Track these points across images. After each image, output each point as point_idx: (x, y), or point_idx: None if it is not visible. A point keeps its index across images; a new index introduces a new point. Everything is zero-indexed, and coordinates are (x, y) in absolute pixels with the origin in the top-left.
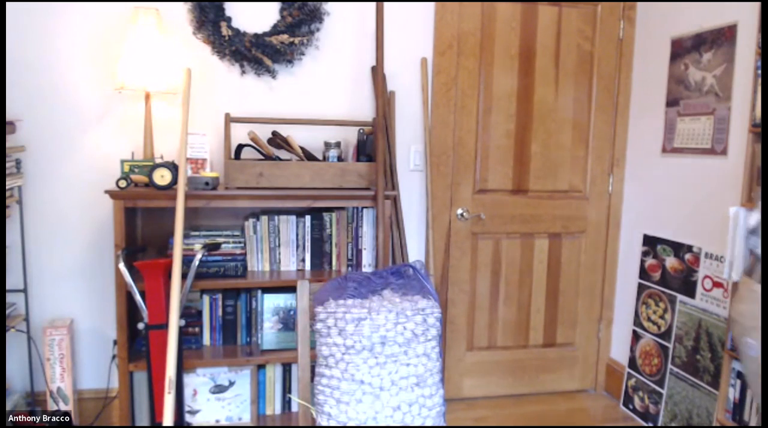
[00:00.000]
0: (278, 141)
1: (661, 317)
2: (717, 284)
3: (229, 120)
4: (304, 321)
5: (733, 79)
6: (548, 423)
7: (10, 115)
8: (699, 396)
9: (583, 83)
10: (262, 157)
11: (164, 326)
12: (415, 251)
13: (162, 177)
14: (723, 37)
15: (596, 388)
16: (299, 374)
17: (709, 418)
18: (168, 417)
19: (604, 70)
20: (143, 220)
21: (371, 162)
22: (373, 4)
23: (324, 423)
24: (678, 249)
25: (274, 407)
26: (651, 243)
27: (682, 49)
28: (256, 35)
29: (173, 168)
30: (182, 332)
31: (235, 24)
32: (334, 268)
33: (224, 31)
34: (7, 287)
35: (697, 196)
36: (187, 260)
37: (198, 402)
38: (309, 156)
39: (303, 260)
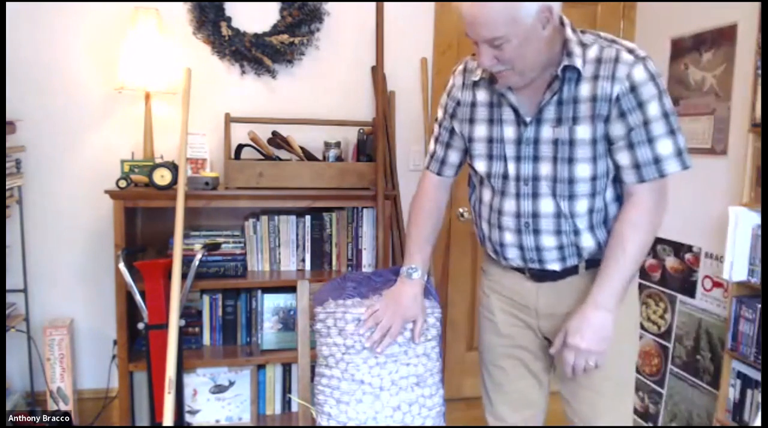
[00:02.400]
0: (278, 141)
1: (661, 317)
2: (717, 284)
3: (229, 120)
4: (304, 321)
5: (733, 79)
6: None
7: (10, 115)
8: (699, 396)
9: None
10: (262, 157)
11: (164, 326)
12: None
13: (162, 177)
14: (723, 37)
15: None
16: (299, 374)
17: (709, 418)
18: (168, 417)
19: None
20: (143, 220)
21: (371, 162)
22: (373, 4)
23: (324, 423)
24: (678, 249)
25: (274, 407)
26: None
27: (682, 49)
28: (256, 35)
29: (173, 168)
30: (182, 332)
31: (235, 24)
32: (334, 268)
33: (224, 31)
34: (7, 287)
35: (697, 196)
36: (187, 260)
37: (198, 402)
38: (309, 156)
39: (303, 260)
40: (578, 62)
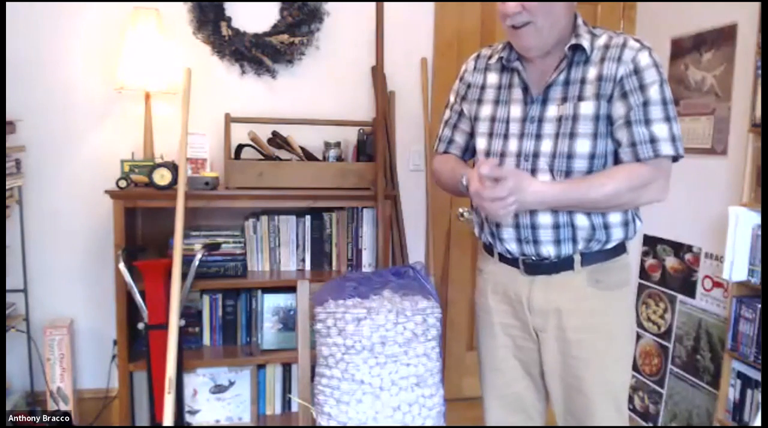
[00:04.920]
0: (278, 141)
1: (661, 317)
2: (717, 284)
3: (229, 120)
4: (304, 321)
5: (733, 79)
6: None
7: (10, 115)
8: (699, 396)
9: None
10: (262, 157)
11: (164, 326)
12: (415, 251)
13: (162, 177)
14: (723, 37)
15: None
16: (299, 374)
17: (709, 418)
18: (168, 417)
19: None
20: (143, 220)
21: (371, 162)
22: (373, 4)
23: (324, 423)
24: (678, 249)
25: (274, 407)
26: (651, 243)
27: (682, 49)
28: (256, 35)
29: (173, 168)
30: (182, 332)
31: (235, 24)
32: (334, 268)
33: (224, 31)
34: (7, 287)
35: (697, 196)
36: (187, 260)
37: (198, 402)
38: (309, 156)
39: (303, 260)
40: (585, 44)
